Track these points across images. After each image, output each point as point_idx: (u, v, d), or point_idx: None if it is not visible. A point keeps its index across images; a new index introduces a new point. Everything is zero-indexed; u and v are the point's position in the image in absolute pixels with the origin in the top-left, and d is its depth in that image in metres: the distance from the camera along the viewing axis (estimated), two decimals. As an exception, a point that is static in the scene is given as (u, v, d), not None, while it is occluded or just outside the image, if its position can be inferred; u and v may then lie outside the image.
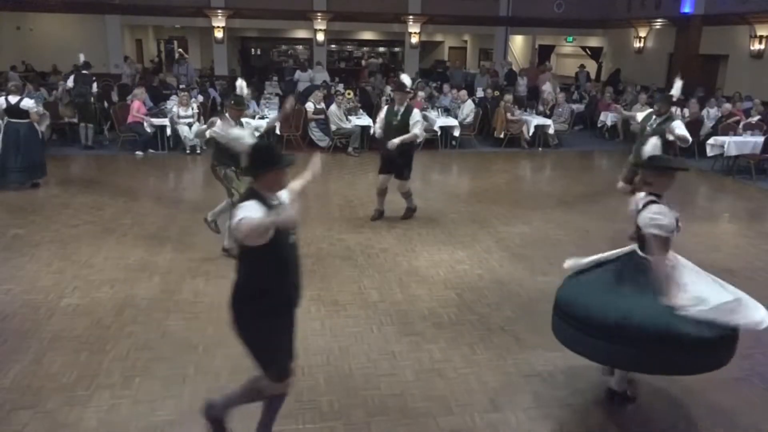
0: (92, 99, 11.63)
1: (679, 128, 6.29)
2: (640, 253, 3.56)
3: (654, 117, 6.69)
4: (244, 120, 6.17)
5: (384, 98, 13.27)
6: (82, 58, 11.99)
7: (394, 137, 6.98)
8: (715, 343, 3.32)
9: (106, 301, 5.13)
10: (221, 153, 5.84)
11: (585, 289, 3.60)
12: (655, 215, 3.43)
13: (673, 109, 12.73)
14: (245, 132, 2.96)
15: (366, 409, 3.76)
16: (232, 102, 5.98)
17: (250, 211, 2.76)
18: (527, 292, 5.51)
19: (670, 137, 6.29)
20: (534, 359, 4.37)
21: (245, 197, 2.93)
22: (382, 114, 7.28)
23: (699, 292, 3.39)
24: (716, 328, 3.27)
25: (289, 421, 3.61)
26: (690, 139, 6.35)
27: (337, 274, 5.86)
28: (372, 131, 7.42)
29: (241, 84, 6.24)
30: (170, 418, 3.62)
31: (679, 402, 3.93)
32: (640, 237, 3.56)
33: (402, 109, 7.05)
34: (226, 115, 5.93)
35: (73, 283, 5.49)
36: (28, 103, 8.73)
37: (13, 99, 8.61)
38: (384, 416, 3.69)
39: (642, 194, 3.59)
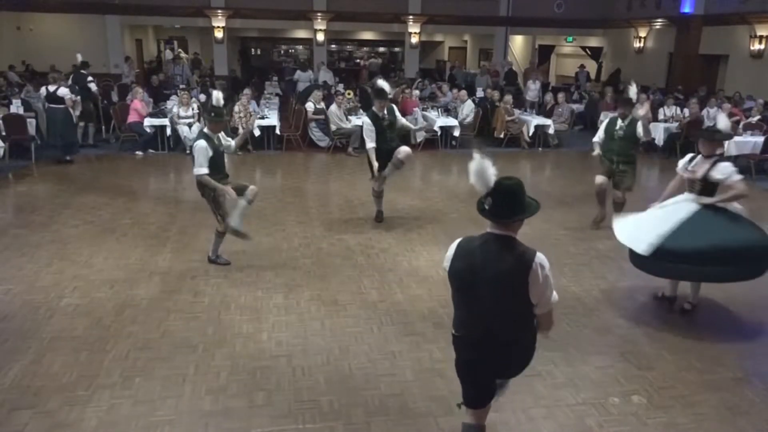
0: (85, 98, 11.60)
1: (645, 129, 7.12)
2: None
3: (619, 121, 7.09)
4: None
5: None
6: (79, 57, 12.17)
7: (393, 140, 7.05)
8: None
9: (106, 301, 5.13)
10: (213, 169, 5.58)
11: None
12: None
13: (673, 108, 12.86)
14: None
15: (366, 409, 3.76)
16: (213, 114, 5.66)
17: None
18: (527, 292, 5.50)
19: (640, 135, 7.04)
20: (534, 359, 4.35)
21: (530, 256, 2.67)
22: (370, 127, 6.94)
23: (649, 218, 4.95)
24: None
25: (288, 421, 3.62)
26: (650, 134, 7.48)
27: (337, 274, 5.86)
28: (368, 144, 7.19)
29: (217, 96, 5.84)
30: (170, 418, 3.62)
31: (678, 402, 3.93)
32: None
33: (386, 112, 7.02)
34: (205, 130, 5.66)
35: (73, 283, 5.49)
36: (63, 91, 10.29)
37: (52, 87, 10.27)
38: (384, 416, 3.69)
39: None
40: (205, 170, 5.53)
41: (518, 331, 2.81)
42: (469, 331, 2.84)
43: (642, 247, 4.73)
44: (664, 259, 4.69)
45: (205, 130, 5.69)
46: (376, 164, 7.01)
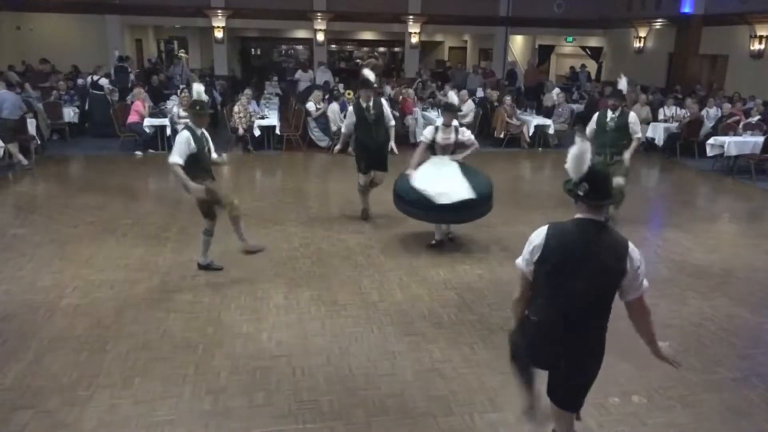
0: (130, 86, 13.72)
1: (635, 124, 7.23)
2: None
3: (610, 113, 7.28)
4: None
5: (383, 98, 13.29)
6: (116, 53, 14.51)
7: (375, 132, 7.15)
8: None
9: (106, 301, 5.13)
10: (196, 166, 5.32)
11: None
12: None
13: (673, 108, 12.86)
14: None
15: (366, 409, 3.76)
16: (197, 108, 5.41)
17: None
18: (527, 292, 5.50)
19: (631, 127, 7.15)
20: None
21: (625, 242, 2.66)
22: (351, 117, 7.18)
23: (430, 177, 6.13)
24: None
25: (289, 421, 3.62)
26: (639, 134, 7.38)
27: (337, 274, 5.86)
28: (345, 130, 7.46)
29: (198, 88, 5.59)
30: (170, 418, 3.62)
31: (678, 402, 3.93)
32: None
33: (371, 104, 7.13)
34: (190, 123, 5.43)
35: (73, 283, 5.49)
36: (104, 81, 12.64)
37: (96, 77, 12.80)
38: (384, 416, 3.69)
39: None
40: (179, 160, 5.18)
41: (595, 319, 2.77)
42: (548, 315, 2.78)
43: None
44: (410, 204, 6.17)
45: (190, 124, 5.45)
46: (338, 146, 7.64)
